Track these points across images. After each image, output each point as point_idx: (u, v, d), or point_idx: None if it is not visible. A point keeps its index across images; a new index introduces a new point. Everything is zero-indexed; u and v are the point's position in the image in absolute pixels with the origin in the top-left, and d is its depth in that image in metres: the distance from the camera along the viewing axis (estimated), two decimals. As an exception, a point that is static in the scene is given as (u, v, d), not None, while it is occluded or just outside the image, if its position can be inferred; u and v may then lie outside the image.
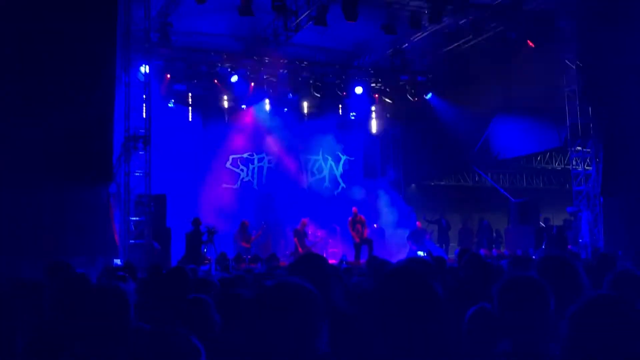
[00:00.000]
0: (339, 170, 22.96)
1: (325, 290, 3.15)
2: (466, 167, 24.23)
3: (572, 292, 2.82)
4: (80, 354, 2.63)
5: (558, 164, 26.61)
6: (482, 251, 17.82)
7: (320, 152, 22.65)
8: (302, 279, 2.05)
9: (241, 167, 21.44)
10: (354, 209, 18.73)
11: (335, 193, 22.57)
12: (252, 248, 17.90)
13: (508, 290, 2.63)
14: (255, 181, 21.58)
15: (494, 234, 22.26)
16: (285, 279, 2.00)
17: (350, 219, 18.37)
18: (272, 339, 1.85)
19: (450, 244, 21.62)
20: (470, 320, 3.22)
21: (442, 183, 26.17)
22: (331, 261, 11.44)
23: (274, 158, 21.67)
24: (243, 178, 21.44)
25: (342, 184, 22.71)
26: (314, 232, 19.61)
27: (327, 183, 22.71)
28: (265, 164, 21.74)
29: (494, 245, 21.02)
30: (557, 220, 20.96)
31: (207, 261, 15.12)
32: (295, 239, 17.84)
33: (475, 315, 3.23)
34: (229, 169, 21.18)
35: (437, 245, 20.68)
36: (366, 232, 18.26)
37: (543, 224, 19.85)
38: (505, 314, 2.60)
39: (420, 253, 18.09)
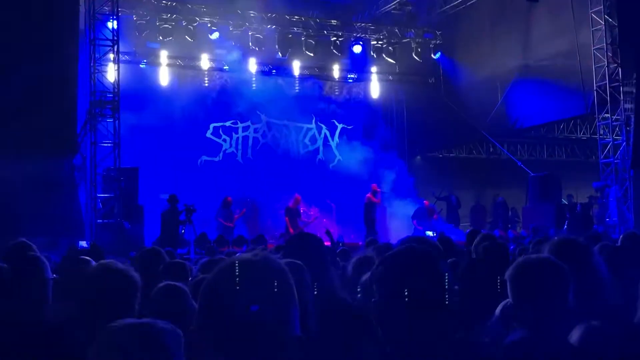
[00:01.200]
0: (334, 141, 22.95)
1: (321, 275, 3.20)
2: (479, 137, 24.21)
3: (586, 280, 2.86)
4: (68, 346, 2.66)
5: (583, 133, 26.67)
6: (497, 232, 17.92)
7: (314, 120, 22.61)
8: (273, 256, 2.07)
9: (223, 137, 21.40)
10: (374, 185, 18.83)
11: (331, 166, 22.59)
12: (236, 228, 17.97)
13: (522, 275, 2.67)
14: (239, 153, 21.57)
15: (510, 213, 22.38)
16: (247, 255, 2.03)
17: (369, 195, 18.47)
18: (234, 323, 1.87)
19: (461, 224, 21.75)
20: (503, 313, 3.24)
21: (452, 155, 26.22)
22: (326, 243, 11.49)
23: (261, 127, 21.63)
24: (226, 149, 21.42)
25: (339, 156, 22.72)
26: (306, 211, 19.67)
27: (321, 155, 22.72)
28: (250, 134, 21.71)
29: (509, 225, 21.16)
30: (582, 197, 21.08)
31: (185, 243, 15.18)
32: (287, 218, 17.90)
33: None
34: (209, 139, 21.15)
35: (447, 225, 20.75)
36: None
37: (565, 201, 19.97)
38: (519, 300, 2.65)
39: (430, 233, 18.22)
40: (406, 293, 2.24)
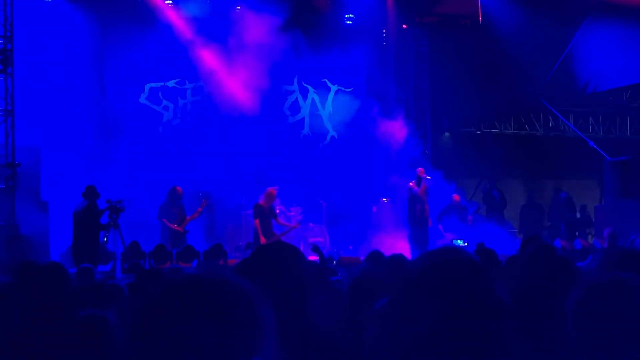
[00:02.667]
0: (326, 109, 22.91)
1: (298, 304, 3.18)
2: (533, 106, 24.26)
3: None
4: None
5: (683, 101, 26.79)
6: (559, 242, 18.01)
7: (296, 80, 22.56)
8: (234, 275, 2.05)
9: (164, 102, 21.33)
10: (421, 169, 18.79)
11: (322, 145, 22.58)
12: (191, 234, 17.87)
13: (591, 303, 2.66)
14: (187, 126, 21.49)
15: (578, 214, 22.43)
16: (196, 273, 2.01)
17: (412, 184, 18.48)
18: None
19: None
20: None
21: (495, 130, 26.24)
22: (311, 257, 11.53)
23: (219, 89, 21.53)
24: (168, 120, 21.35)
25: (332, 132, 22.70)
26: (285, 211, 19.65)
27: (307, 130, 22.68)
28: (204, 99, 21.62)
29: (577, 232, 21.21)
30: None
31: (109, 257, 15.15)
32: (257, 221, 17.86)
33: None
34: (144, 105, 21.07)
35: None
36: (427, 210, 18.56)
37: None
38: (586, 340, 2.64)
39: (459, 242, 18.27)
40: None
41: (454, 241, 18.50)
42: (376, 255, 8.52)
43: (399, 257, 6.72)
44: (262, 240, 17.15)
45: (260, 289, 2.21)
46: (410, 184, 18.65)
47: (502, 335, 2.24)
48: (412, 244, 17.95)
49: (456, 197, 20.68)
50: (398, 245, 17.90)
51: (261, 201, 17.95)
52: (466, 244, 17.63)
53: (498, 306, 2.25)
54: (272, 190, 18.09)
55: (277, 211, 18.54)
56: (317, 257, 11.42)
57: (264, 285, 2.86)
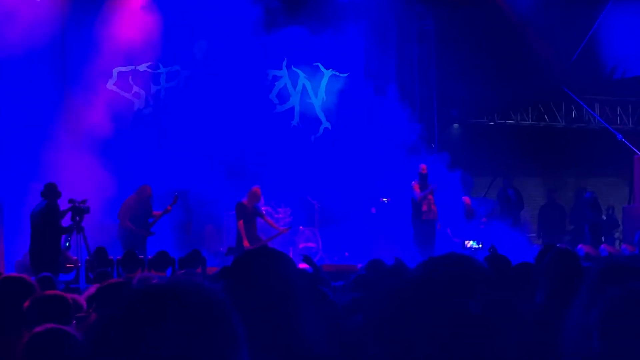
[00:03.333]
0: (319, 97, 22.90)
1: (288, 316, 3.18)
2: (554, 94, 24.28)
3: None
4: None
5: None
6: (582, 248, 18.02)
7: (285, 64, 22.55)
8: (211, 284, 2.05)
9: (135, 89, 21.29)
10: (423, 166, 18.83)
11: (314, 138, 22.58)
12: (158, 238, 17.85)
13: (619, 317, 2.65)
14: (160, 115, 21.46)
15: (605, 216, 22.44)
16: (168, 281, 2.01)
17: (415, 184, 18.51)
18: None
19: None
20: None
21: (510, 122, 26.28)
22: (301, 265, 11.51)
23: (197, 73, 21.51)
24: (139, 109, 21.31)
25: (326, 122, 22.70)
26: (271, 212, 19.63)
27: (296, 120, 22.67)
28: (180, 85, 21.60)
29: (603, 237, 21.22)
30: None
31: (71, 264, 15.12)
32: (240, 223, 17.87)
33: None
34: (112, 91, 21.02)
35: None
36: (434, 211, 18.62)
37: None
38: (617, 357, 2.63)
39: (472, 244, 18.29)
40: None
41: (466, 242, 18.54)
42: (377, 264, 8.52)
43: (399, 267, 6.72)
44: (246, 244, 17.16)
45: (243, 300, 2.21)
46: (413, 183, 18.68)
47: (491, 355, 2.25)
48: (416, 249, 17.96)
49: (466, 199, 20.68)
50: (400, 251, 17.95)
51: (245, 200, 17.95)
52: (480, 245, 17.67)
53: (489, 324, 2.26)
54: (257, 188, 18.08)
55: (263, 211, 18.51)
56: (309, 265, 11.43)
57: (249, 296, 2.87)
